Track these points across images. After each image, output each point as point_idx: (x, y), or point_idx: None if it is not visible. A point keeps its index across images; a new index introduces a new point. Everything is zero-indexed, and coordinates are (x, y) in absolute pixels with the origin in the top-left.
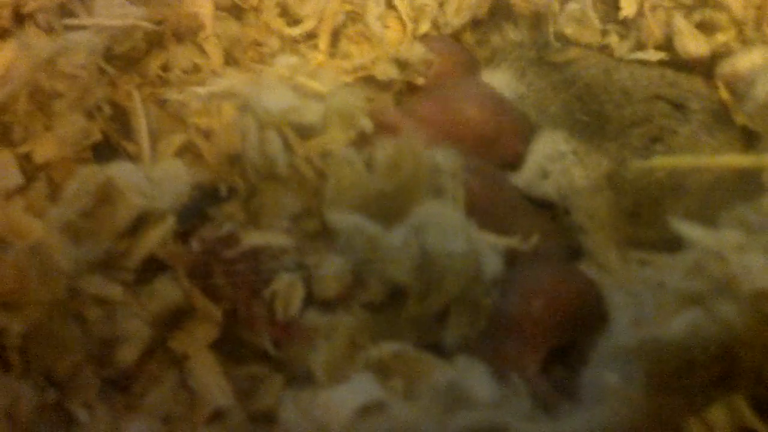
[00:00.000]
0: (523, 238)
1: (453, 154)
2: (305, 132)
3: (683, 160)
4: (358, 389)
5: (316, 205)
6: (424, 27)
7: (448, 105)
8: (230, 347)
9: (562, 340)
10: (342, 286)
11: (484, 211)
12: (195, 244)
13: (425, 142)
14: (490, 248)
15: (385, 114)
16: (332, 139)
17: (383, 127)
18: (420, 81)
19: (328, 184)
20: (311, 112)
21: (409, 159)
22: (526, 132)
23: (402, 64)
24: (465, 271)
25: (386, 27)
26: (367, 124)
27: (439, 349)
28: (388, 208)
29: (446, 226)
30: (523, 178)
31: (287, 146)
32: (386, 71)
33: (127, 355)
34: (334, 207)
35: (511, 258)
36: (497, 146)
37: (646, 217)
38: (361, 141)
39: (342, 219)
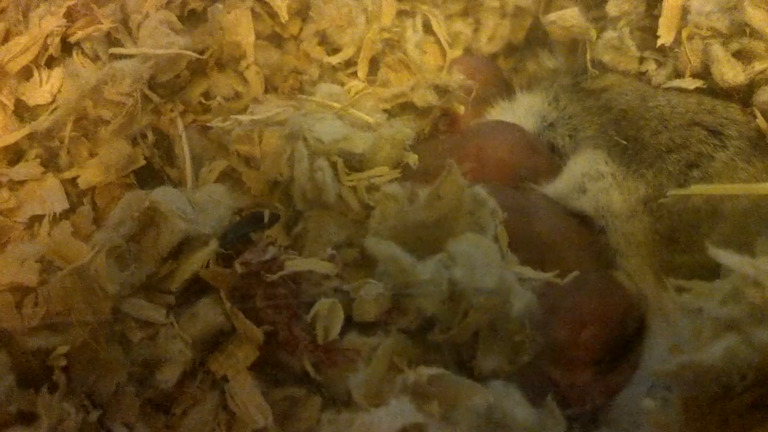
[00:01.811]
0: (562, 269)
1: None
2: (353, 162)
3: (721, 188)
4: (395, 412)
5: (359, 236)
6: (459, 53)
7: (489, 155)
8: (269, 370)
9: (605, 360)
10: (380, 310)
11: (524, 244)
12: (239, 268)
13: (467, 179)
14: (522, 284)
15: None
16: (380, 172)
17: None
18: (461, 110)
19: (373, 217)
20: (359, 143)
21: (450, 193)
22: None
23: (441, 91)
24: (492, 306)
25: (424, 53)
26: (412, 158)
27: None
28: (427, 240)
29: (478, 261)
30: (558, 190)
31: (336, 176)
32: (425, 98)
33: (169, 376)
34: (373, 236)
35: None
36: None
37: (682, 243)
38: (406, 175)
39: (378, 246)
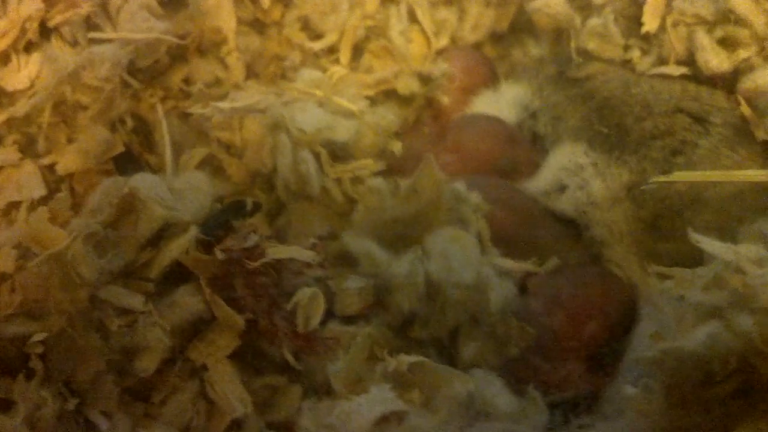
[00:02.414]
0: (542, 260)
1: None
2: (336, 151)
3: (703, 174)
4: (376, 400)
5: (343, 228)
6: (444, 41)
7: (469, 147)
8: (249, 358)
9: (594, 348)
10: (363, 304)
11: (508, 236)
12: (219, 254)
13: (447, 172)
14: (502, 276)
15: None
16: (364, 164)
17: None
18: (445, 100)
19: (357, 210)
20: (343, 131)
21: (427, 187)
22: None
23: (424, 79)
24: (469, 300)
25: (409, 42)
26: (396, 146)
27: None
28: (405, 235)
29: (455, 255)
30: (538, 187)
31: (320, 168)
32: (408, 85)
33: (147, 364)
34: (352, 230)
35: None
36: (513, 179)
37: (665, 229)
38: (391, 166)
39: (354, 243)
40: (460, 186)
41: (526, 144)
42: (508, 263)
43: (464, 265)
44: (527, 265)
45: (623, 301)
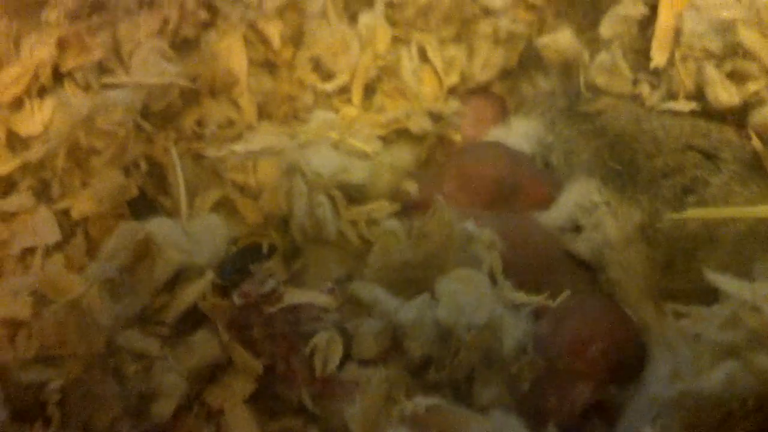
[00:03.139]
0: (555, 295)
1: (488, 221)
2: (352, 193)
3: (717, 211)
4: None
5: (360, 271)
6: (453, 79)
7: (471, 173)
8: (266, 401)
9: (606, 382)
10: (380, 348)
11: (522, 272)
12: (237, 299)
13: (458, 212)
14: (515, 313)
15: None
16: (379, 207)
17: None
18: (457, 138)
19: (372, 253)
20: (358, 173)
21: (438, 230)
22: (551, 186)
23: (436, 118)
24: (483, 341)
25: (420, 81)
26: (412, 187)
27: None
28: (416, 279)
29: (466, 298)
30: (554, 222)
31: (335, 211)
32: (420, 124)
33: (164, 409)
34: (363, 277)
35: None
36: (520, 199)
37: (680, 268)
38: (406, 207)
39: (362, 291)
40: (470, 225)
41: (531, 166)
42: (522, 297)
43: (475, 306)
44: (540, 299)
45: (630, 331)
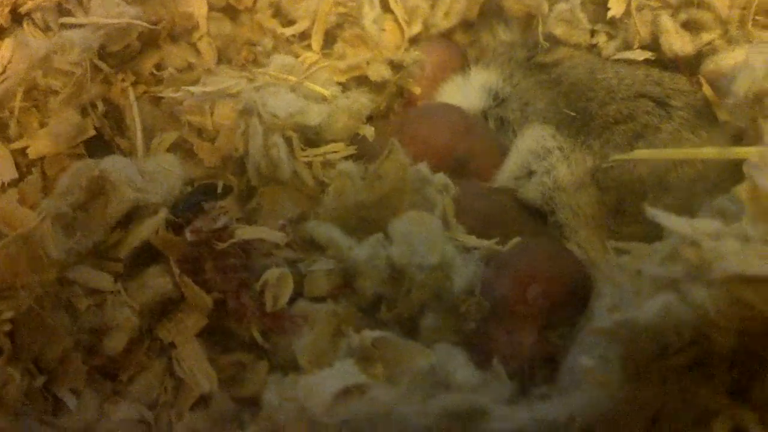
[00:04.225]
0: (504, 242)
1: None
2: (308, 135)
3: (664, 152)
4: (339, 374)
5: (313, 211)
6: (416, 28)
7: (424, 138)
8: (217, 336)
9: (551, 319)
10: (331, 287)
11: (474, 221)
12: (189, 235)
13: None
14: (466, 256)
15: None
16: (335, 148)
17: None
18: (417, 90)
19: (327, 194)
20: (315, 115)
21: (392, 172)
22: (498, 155)
23: (396, 67)
24: (434, 281)
25: (382, 30)
26: (369, 131)
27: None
28: (370, 220)
29: (418, 238)
30: (507, 173)
31: (291, 152)
32: (380, 72)
33: (116, 343)
34: (318, 217)
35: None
36: (471, 168)
37: (629, 213)
38: (362, 151)
39: (317, 229)
40: (424, 169)
41: (485, 134)
42: (473, 240)
43: (428, 247)
44: (490, 243)
45: (575, 270)
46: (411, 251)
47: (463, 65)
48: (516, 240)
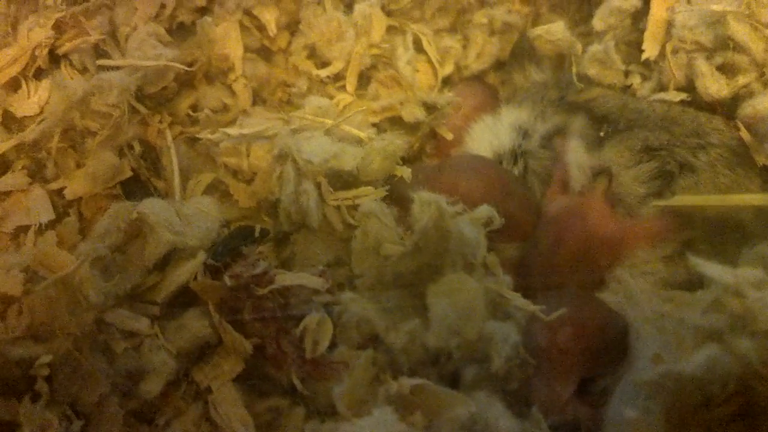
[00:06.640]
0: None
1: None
2: (344, 178)
3: (704, 199)
4: (378, 422)
5: (346, 255)
6: (448, 69)
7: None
8: (254, 381)
9: (589, 372)
10: (363, 338)
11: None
12: (228, 280)
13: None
14: (506, 328)
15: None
16: (364, 192)
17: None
18: (449, 136)
19: (355, 237)
20: (349, 159)
21: (435, 238)
22: (533, 210)
23: (429, 107)
24: (473, 354)
25: (415, 71)
26: (405, 171)
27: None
28: (410, 281)
29: (456, 311)
30: None
31: (320, 197)
32: (414, 113)
33: (152, 386)
34: (354, 288)
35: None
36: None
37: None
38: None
39: (351, 307)
40: (464, 226)
41: (521, 194)
42: (518, 300)
43: (466, 323)
44: (534, 308)
45: (612, 321)
46: (449, 332)
47: (495, 106)
48: (561, 311)
